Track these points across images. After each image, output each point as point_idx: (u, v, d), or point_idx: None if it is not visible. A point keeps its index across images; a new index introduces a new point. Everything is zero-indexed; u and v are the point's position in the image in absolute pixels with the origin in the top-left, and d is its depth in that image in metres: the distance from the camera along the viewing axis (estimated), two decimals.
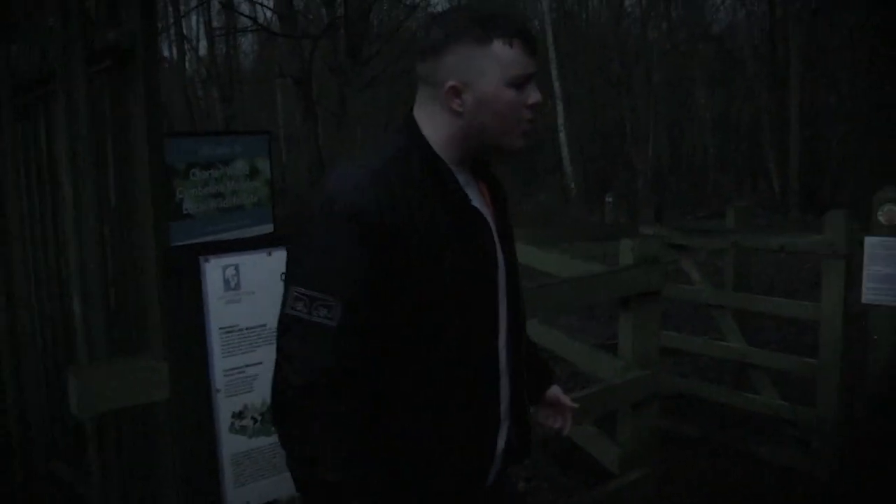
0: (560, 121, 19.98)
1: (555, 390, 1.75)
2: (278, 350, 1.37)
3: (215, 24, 23.12)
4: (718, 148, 22.09)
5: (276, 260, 1.87)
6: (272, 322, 1.53)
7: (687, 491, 3.64)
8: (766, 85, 19.51)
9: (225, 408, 1.87)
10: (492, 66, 1.39)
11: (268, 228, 2.17)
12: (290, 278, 1.38)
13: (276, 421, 1.38)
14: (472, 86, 1.40)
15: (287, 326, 1.36)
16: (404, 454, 1.42)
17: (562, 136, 20.02)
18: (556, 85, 19.67)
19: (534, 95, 1.42)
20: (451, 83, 1.40)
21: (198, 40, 25.86)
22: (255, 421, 1.92)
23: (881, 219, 3.37)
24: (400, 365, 1.41)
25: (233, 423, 1.89)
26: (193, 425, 1.84)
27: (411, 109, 1.49)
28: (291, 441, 1.34)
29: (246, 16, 20.19)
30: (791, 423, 3.96)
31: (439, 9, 19.05)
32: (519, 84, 1.41)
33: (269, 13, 19.90)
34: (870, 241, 3.40)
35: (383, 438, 1.40)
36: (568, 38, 22.61)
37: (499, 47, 1.38)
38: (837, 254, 3.55)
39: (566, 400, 1.75)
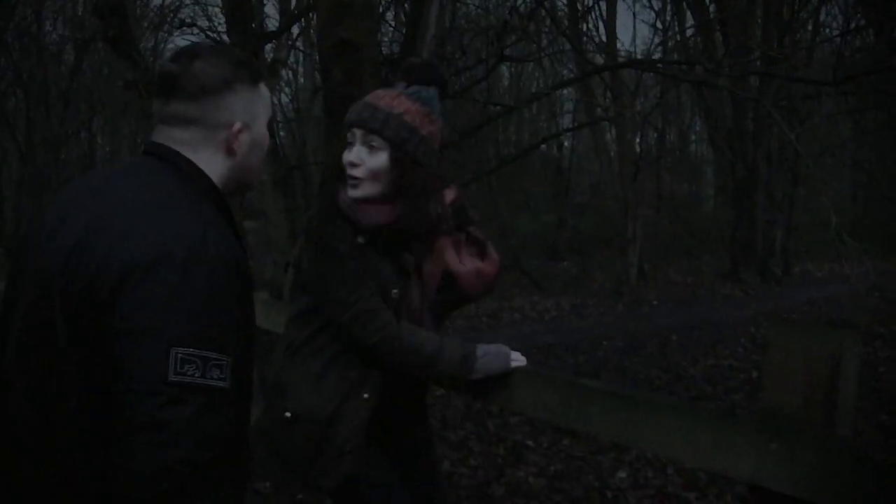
0: None
1: None
2: (153, 425, 1.12)
3: None
4: None
5: None
6: None
7: None
8: None
9: None
10: (262, 107, 1.39)
11: None
12: (160, 337, 1.14)
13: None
14: (251, 127, 1.37)
15: (176, 396, 1.13)
16: None
17: None
18: None
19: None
20: (238, 124, 1.33)
21: None
22: None
23: None
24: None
25: None
26: None
27: (157, 146, 1.36)
28: None
29: None
30: None
31: None
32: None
33: None
34: None
35: None
36: None
37: (263, 89, 1.40)
38: None
39: None
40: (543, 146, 22.12)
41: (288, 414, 2.08)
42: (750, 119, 14.42)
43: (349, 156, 1.99)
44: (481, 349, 2.03)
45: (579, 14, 15.16)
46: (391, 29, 10.50)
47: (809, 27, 16.55)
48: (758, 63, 9.34)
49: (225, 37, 8.82)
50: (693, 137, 28.81)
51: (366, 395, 2.10)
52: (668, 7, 19.31)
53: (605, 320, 11.68)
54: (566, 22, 13.56)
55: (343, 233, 2.01)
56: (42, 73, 18.27)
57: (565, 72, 19.38)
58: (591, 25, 17.56)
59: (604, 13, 16.52)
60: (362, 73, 3.78)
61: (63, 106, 18.46)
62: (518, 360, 2.03)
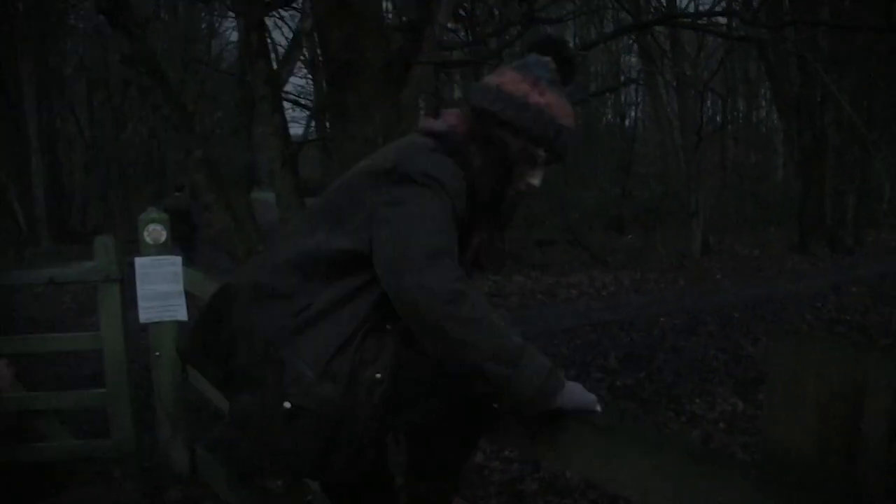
0: None
1: None
2: None
3: None
4: None
5: None
6: None
7: None
8: None
9: None
10: None
11: None
12: None
13: None
14: None
15: None
16: None
17: None
18: None
19: None
20: None
21: None
22: None
23: (148, 239, 3.47)
24: None
25: None
26: None
27: None
28: None
29: None
30: (91, 461, 3.81)
31: None
32: None
33: None
34: (141, 262, 3.46)
35: None
36: None
37: None
38: (111, 278, 3.51)
39: None
40: (609, 117, 21.53)
41: (287, 405, 1.68)
42: (816, 83, 13.60)
43: (536, 181, 1.88)
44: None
45: None
46: None
47: None
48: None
49: None
50: (763, 104, 27.70)
51: (378, 376, 1.71)
52: None
53: (664, 296, 11.20)
54: None
55: (462, 184, 1.75)
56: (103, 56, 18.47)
57: (629, 40, 18.72)
58: None
59: None
60: (364, 38, 3.46)
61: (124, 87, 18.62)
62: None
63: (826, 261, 13.95)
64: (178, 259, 3.48)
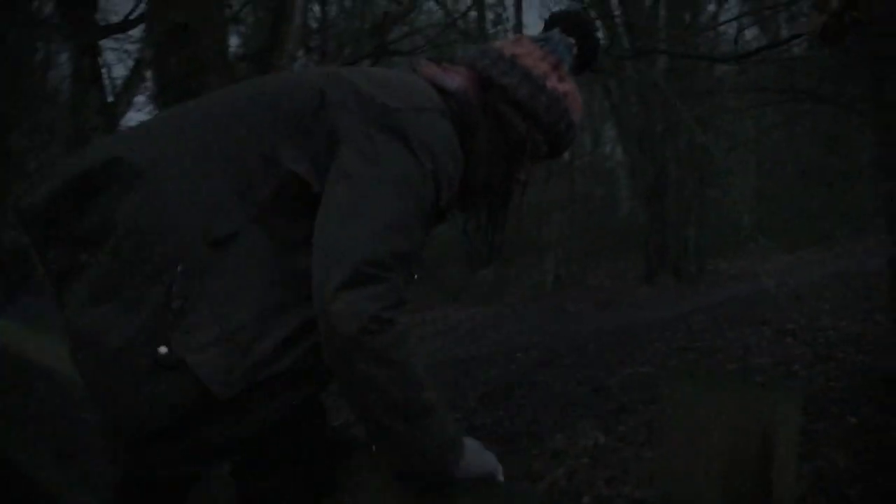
0: None
1: None
2: None
3: None
4: None
5: None
6: None
7: None
8: None
9: None
10: None
11: None
12: None
13: None
14: None
15: None
16: None
17: None
18: None
19: None
20: None
21: None
22: None
23: None
24: None
25: None
26: None
27: None
28: None
29: None
30: None
31: None
32: None
33: None
34: None
35: None
36: None
37: None
38: None
39: None
40: None
41: (163, 350, 1.24)
42: (657, 118, 14.33)
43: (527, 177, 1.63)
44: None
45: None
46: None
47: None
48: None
49: None
50: (606, 139, 28.99)
51: (295, 403, 1.34)
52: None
53: (520, 330, 11.31)
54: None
55: (458, 172, 1.42)
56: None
57: None
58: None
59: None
60: (205, 64, 3.20)
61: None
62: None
63: (672, 290, 14.54)
64: None
